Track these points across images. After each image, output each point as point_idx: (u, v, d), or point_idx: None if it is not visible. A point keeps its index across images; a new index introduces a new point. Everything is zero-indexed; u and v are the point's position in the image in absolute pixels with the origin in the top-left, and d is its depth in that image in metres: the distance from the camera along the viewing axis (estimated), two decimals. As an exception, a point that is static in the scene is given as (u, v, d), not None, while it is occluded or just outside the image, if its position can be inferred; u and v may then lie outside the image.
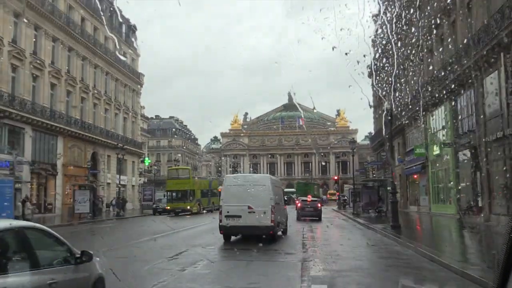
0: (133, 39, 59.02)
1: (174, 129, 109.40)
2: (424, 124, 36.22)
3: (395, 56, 34.87)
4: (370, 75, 48.90)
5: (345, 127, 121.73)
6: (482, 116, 25.30)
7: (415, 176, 41.07)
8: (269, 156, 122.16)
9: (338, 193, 62.58)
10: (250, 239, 18.14)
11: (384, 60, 42.78)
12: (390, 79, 38.80)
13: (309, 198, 38.28)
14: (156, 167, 74.10)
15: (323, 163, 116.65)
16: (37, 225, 6.11)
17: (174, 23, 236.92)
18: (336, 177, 65.81)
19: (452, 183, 30.51)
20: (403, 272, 11.85)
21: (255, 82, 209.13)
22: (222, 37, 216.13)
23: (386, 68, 41.88)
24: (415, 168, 38.38)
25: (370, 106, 48.21)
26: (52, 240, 6.01)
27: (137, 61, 60.24)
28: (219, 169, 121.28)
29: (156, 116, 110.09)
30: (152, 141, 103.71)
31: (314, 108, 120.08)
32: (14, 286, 4.58)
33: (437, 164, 34.14)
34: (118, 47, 51.89)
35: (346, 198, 57.35)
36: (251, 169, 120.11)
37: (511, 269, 1.78)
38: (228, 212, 17.95)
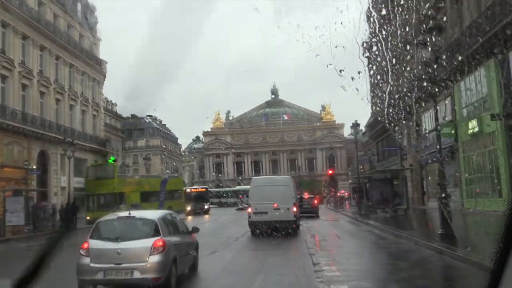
0: (92, 21, 49.47)
1: (151, 129, 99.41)
2: (451, 97, 27.42)
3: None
4: (365, 51, 40.01)
5: (331, 122, 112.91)
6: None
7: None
8: (254, 154, 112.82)
9: (333, 190, 53.61)
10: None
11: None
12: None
13: (306, 195, 36.23)
14: (125, 168, 63.71)
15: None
16: (172, 212, 12.77)
17: (159, 26, 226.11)
18: (330, 171, 56.71)
19: (503, 168, 21.58)
20: None
21: (239, 85, 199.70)
22: (206, 42, 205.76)
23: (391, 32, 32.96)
24: (437, 154, 29.31)
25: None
26: (178, 219, 11.41)
27: (97, 46, 50.51)
28: (203, 169, 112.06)
29: (132, 115, 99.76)
30: (129, 142, 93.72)
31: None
32: (176, 241, 9.86)
33: (474, 146, 25.27)
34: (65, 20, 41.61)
35: (346, 195, 48.80)
36: (235, 168, 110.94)
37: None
38: (256, 209, 19.86)
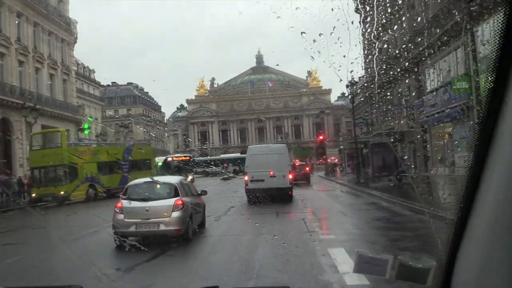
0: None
1: (133, 97, 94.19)
2: (464, 46, 23.41)
3: None
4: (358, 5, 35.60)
5: (317, 87, 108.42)
6: None
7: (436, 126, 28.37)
8: (239, 122, 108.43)
9: (324, 156, 49.74)
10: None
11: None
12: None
13: (297, 162, 34.75)
14: (102, 136, 58.86)
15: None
16: (183, 177, 14.93)
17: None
18: (321, 137, 52.64)
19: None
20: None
21: (224, 53, 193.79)
22: (194, 8, 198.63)
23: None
24: (447, 113, 25.44)
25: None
26: (190, 184, 13.66)
27: (66, 4, 45.30)
28: (187, 138, 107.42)
29: (113, 83, 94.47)
30: (110, 111, 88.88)
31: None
32: (190, 201, 11.36)
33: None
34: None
35: (336, 161, 45.01)
36: (221, 136, 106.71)
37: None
38: (252, 177, 19.90)
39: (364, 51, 39.14)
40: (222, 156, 74.94)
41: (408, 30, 30.98)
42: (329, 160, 47.45)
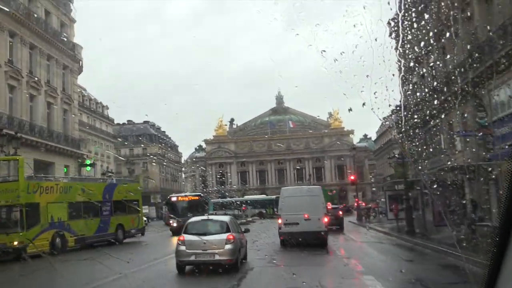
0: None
1: (149, 135, 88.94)
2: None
3: None
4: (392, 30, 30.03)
5: (339, 128, 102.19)
6: None
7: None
8: (259, 163, 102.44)
9: (356, 199, 43.01)
10: None
11: None
12: None
13: (329, 205, 30.75)
14: (111, 174, 52.53)
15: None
16: (232, 217, 16.05)
17: (174, 39, 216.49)
18: (353, 177, 45.69)
19: None
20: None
21: (249, 96, 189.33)
22: (218, 53, 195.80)
23: None
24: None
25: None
26: (237, 223, 15.24)
27: (71, 29, 40.42)
28: (205, 179, 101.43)
29: (128, 121, 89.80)
30: (125, 149, 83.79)
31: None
32: (238, 236, 13.16)
33: None
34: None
35: (370, 206, 38.51)
36: (239, 177, 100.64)
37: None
38: (286, 220, 18.87)
39: (401, 72, 33.05)
40: (246, 197, 68.73)
41: (464, 46, 25.06)
42: (356, 204, 40.92)
